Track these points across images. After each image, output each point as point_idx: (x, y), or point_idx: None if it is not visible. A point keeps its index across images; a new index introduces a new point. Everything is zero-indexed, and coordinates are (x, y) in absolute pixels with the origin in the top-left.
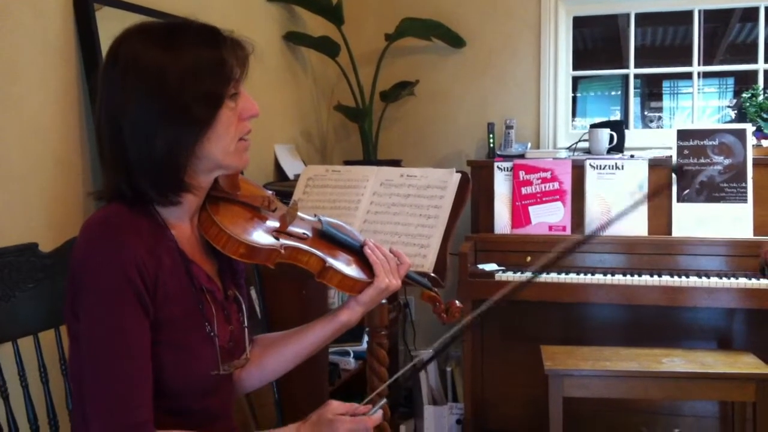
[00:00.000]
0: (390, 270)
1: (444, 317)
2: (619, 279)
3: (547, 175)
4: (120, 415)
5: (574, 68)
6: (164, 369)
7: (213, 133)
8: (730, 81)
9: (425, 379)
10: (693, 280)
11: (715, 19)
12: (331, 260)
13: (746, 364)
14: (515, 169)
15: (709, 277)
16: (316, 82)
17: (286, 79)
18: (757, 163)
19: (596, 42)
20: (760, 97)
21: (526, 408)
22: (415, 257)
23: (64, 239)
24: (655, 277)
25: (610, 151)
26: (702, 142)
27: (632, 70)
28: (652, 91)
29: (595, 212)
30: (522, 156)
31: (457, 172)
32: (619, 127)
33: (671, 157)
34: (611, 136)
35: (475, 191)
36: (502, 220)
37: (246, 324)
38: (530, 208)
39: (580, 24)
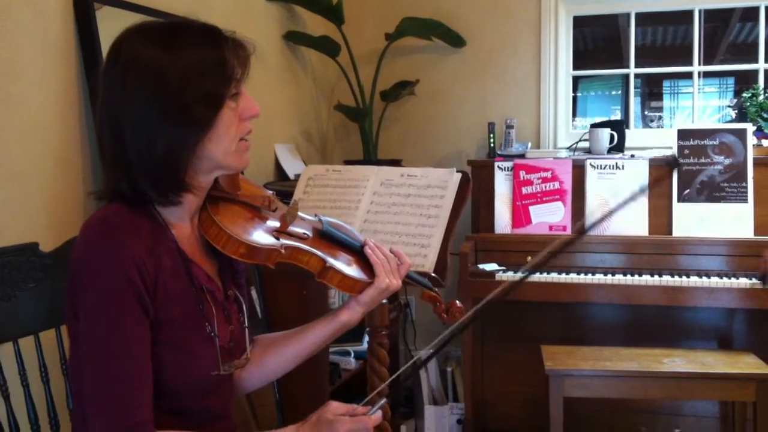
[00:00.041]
0: (390, 270)
1: (444, 317)
2: (619, 279)
3: (548, 174)
4: (120, 415)
5: (575, 68)
6: (164, 369)
7: (214, 133)
8: (731, 81)
9: (426, 379)
10: (693, 280)
11: (716, 18)
12: (331, 260)
13: (747, 364)
14: (516, 169)
15: (709, 277)
16: (316, 82)
17: (286, 79)
18: (757, 162)
19: (596, 42)
20: (761, 97)
21: (527, 408)
22: (415, 257)
23: (64, 239)
24: (656, 277)
25: (610, 150)
26: (702, 142)
27: (632, 70)
28: (652, 90)
29: (595, 212)
30: (522, 156)
31: (457, 171)
32: (619, 126)
33: (672, 155)
34: (612, 136)
35: (475, 191)
36: (503, 220)
37: (246, 324)
38: (531, 208)
39: (580, 24)
